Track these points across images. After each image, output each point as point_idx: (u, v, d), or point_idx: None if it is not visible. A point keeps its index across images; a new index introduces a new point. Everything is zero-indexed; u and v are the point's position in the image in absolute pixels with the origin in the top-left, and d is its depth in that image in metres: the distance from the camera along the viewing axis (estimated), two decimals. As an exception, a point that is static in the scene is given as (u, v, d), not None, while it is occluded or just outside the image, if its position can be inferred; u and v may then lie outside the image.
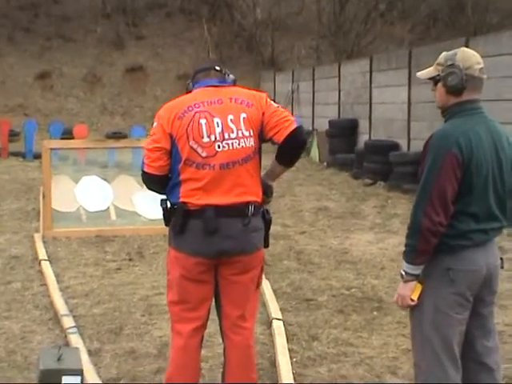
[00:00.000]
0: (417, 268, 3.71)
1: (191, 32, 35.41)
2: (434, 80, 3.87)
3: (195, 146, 4.16)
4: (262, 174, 4.41)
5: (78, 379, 4.37)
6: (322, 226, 11.13)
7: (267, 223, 4.35)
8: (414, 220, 3.69)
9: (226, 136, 4.18)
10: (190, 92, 4.41)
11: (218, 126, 4.19)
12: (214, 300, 4.43)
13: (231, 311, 4.33)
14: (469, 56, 3.79)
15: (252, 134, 4.23)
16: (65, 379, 4.32)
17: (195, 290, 4.25)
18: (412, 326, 3.90)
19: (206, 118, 4.19)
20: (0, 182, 16.10)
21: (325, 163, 18.93)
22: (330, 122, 19.64)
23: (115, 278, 8.07)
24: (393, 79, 16.92)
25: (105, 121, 29.94)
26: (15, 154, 21.00)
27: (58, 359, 4.40)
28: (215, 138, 4.17)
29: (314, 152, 20.14)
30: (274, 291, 7.31)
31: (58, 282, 7.71)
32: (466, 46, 10.46)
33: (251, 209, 4.19)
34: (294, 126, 4.23)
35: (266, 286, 7.37)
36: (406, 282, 3.76)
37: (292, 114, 4.49)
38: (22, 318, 6.73)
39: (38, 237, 9.97)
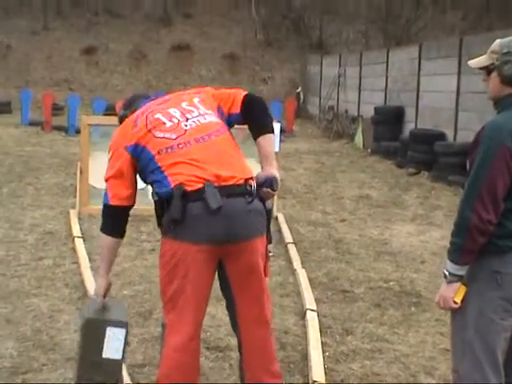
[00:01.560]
0: (461, 268, 3.46)
1: (239, 12, 35.30)
2: (488, 69, 3.59)
3: (161, 135, 3.92)
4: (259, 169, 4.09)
5: (122, 332, 4.16)
6: (362, 215, 10.88)
7: (268, 213, 3.97)
8: (461, 216, 3.42)
9: (189, 116, 4.00)
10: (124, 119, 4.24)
11: (175, 112, 4.03)
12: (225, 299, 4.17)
13: (249, 309, 3.97)
14: (526, 44, 3.51)
15: (213, 112, 4.08)
16: (109, 330, 4.14)
17: (199, 281, 3.84)
18: (453, 330, 3.65)
19: (159, 112, 4.04)
20: (41, 155, 16.07)
21: (369, 150, 18.70)
22: (375, 108, 19.42)
23: (148, 259, 7.91)
24: (442, 68, 16.57)
25: (149, 98, 29.86)
26: (58, 128, 21.04)
27: (105, 309, 4.24)
28: (178, 120, 3.98)
29: (359, 138, 19.97)
30: (310, 280, 7.10)
31: (91, 260, 7.55)
32: (520, 36, 10.12)
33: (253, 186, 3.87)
34: (244, 93, 4.16)
35: (302, 274, 7.18)
36: (449, 282, 3.50)
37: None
38: (52, 296, 6.61)
39: (73, 213, 9.84)
